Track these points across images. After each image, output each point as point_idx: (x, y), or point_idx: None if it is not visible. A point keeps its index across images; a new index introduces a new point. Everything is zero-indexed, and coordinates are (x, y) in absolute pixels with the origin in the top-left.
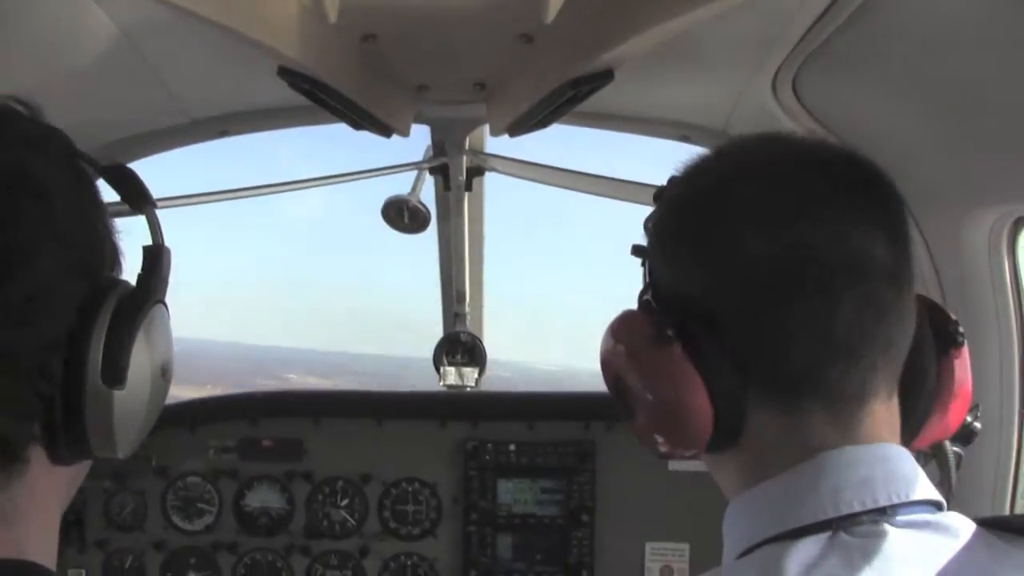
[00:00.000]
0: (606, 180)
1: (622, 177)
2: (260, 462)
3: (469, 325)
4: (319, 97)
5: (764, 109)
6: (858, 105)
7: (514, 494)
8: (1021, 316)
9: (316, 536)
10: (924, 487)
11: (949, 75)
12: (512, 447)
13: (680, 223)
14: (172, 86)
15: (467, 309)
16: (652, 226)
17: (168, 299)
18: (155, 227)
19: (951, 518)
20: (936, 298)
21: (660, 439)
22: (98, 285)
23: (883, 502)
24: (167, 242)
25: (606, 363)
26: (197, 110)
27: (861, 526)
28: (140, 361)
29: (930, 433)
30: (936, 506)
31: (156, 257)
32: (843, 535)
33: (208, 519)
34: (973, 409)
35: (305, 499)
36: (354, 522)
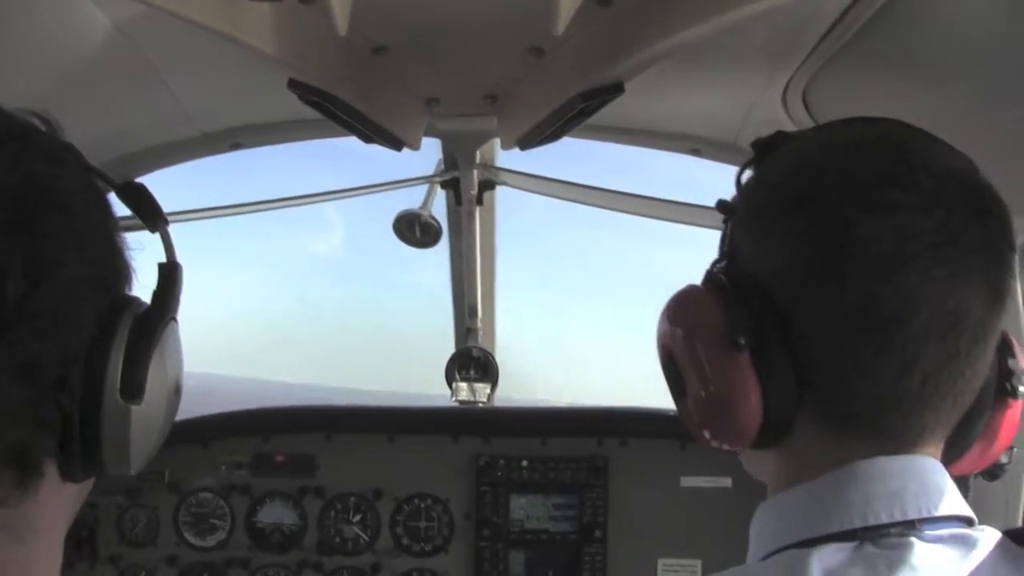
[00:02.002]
0: (619, 194)
1: (634, 192)
2: (272, 478)
3: (481, 340)
4: (329, 110)
5: (775, 122)
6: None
7: (526, 510)
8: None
9: (328, 552)
10: (955, 502)
11: (961, 87)
12: (524, 463)
13: (793, 209)
14: (183, 99)
15: (479, 324)
16: (749, 187)
17: (186, 334)
18: (168, 245)
19: (980, 532)
20: None
21: (704, 430)
22: (116, 300)
23: (912, 515)
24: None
25: (663, 341)
26: (208, 123)
27: (888, 538)
28: (156, 377)
29: (961, 466)
30: (967, 522)
31: (171, 275)
32: (869, 546)
33: (220, 535)
34: (1009, 451)
35: (317, 515)
36: (367, 538)
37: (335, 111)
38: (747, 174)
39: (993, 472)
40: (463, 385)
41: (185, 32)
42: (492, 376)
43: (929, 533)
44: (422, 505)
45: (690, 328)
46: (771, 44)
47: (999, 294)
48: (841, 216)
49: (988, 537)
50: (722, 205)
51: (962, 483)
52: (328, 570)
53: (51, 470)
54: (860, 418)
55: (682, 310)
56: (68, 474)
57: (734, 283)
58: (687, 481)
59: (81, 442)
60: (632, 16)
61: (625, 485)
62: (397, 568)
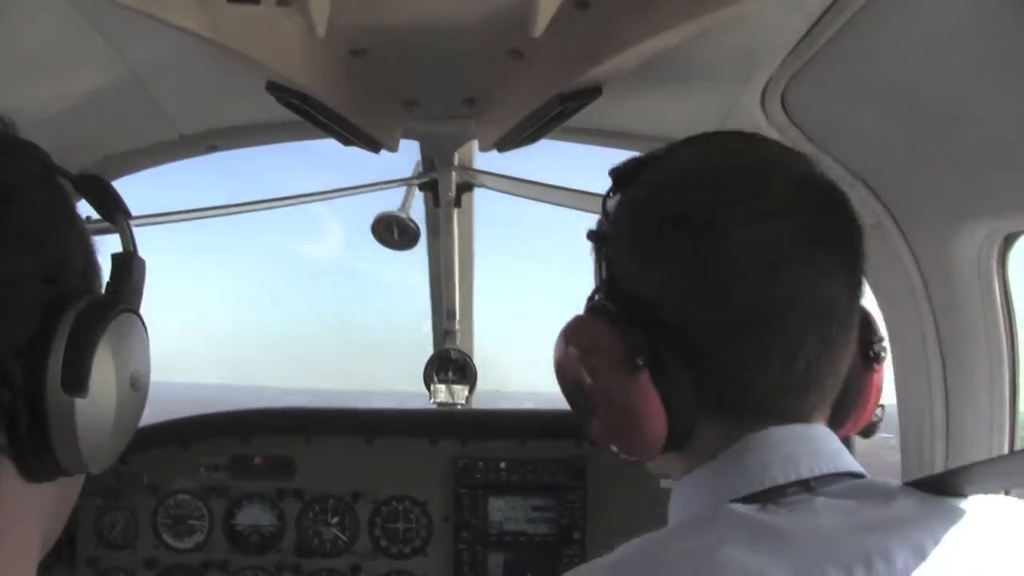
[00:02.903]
0: (596, 197)
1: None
2: (251, 480)
3: (459, 342)
4: (307, 112)
5: (753, 124)
6: (847, 119)
7: (505, 512)
8: (1010, 332)
9: (307, 554)
10: (846, 461)
11: (937, 90)
12: (503, 465)
13: (661, 229)
14: (161, 102)
15: (457, 326)
16: (618, 215)
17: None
18: (127, 237)
19: (877, 481)
20: (926, 313)
21: (614, 447)
22: (65, 292)
23: (806, 474)
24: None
25: (563, 370)
26: (186, 126)
27: (787, 497)
28: (105, 370)
29: (844, 430)
30: (859, 477)
31: (126, 265)
32: (772, 505)
33: (199, 537)
34: (880, 408)
35: (296, 517)
36: (345, 540)
37: (313, 113)
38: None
39: (868, 430)
40: (441, 387)
41: (163, 34)
42: (470, 378)
43: (826, 489)
44: (400, 507)
45: (587, 357)
46: (748, 47)
47: (858, 281)
48: (715, 230)
49: (883, 485)
50: (592, 234)
51: (846, 444)
52: (307, 572)
53: (7, 468)
54: (754, 408)
55: (577, 341)
56: (27, 473)
57: (621, 307)
58: (666, 483)
59: (29, 438)
60: (610, 19)
61: (604, 487)
62: (376, 570)
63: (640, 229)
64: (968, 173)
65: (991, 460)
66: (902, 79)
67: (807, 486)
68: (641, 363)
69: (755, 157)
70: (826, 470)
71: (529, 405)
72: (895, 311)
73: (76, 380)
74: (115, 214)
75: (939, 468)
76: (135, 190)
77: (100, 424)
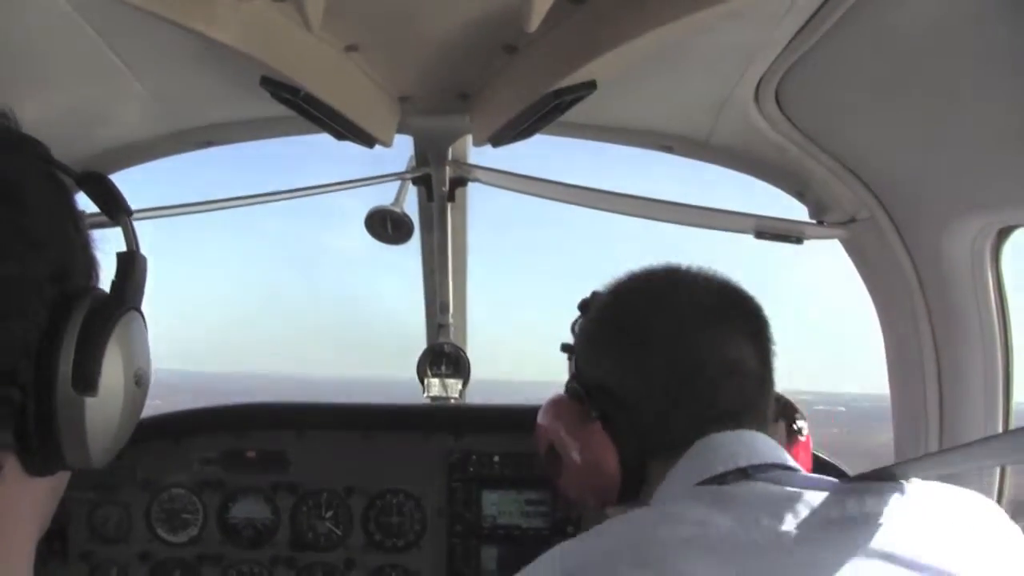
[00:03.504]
0: (590, 191)
1: (605, 188)
2: (245, 474)
3: (453, 336)
4: (301, 107)
5: (747, 119)
6: (840, 114)
7: (499, 506)
8: (1004, 326)
9: (301, 548)
10: (781, 456)
11: (931, 84)
12: (496, 459)
13: (603, 334)
14: (155, 96)
15: (451, 320)
16: (580, 332)
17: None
18: (130, 235)
19: (812, 474)
20: (919, 308)
21: (581, 493)
22: (71, 292)
23: (743, 463)
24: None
25: (541, 435)
26: (181, 120)
27: (728, 483)
28: (113, 368)
29: None
30: (794, 470)
31: (130, 264)
32: (714, 487)
33: (193, 531)
34: None
35: (290, 511)
36: (339, 534)
37: (308, 108)
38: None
39: None
40: (435, 381)
41: (157, 29)
42: (464, 372)
43: (761, 475)
44: (394, 501)
45: (560, 420)
46: (743, 42)
47: (764, 352)
48: (636, 323)
49: (817, 475)
50: (565, 346)
51: None
52: (301, 566)
53: (11, 464)
54: (689, 442)
55: (553, 409)
56: (31, 468)
57: (583, 387)
58: None
59: (38, 436)
60: (605, 14)
61: None
62: (370, 564)
63: (592, 336)
64: (962, 167)
65: (924, 456)
66: (896, 74)
67: (745, 473)
68: (595, 415)
69: (669, 276)
70: (762, 460)
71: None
72: (889, 305)
73: (87, 379)
74: (117, 211)
75: (933, 463)
76: (132, 183)
77: (107, 421)
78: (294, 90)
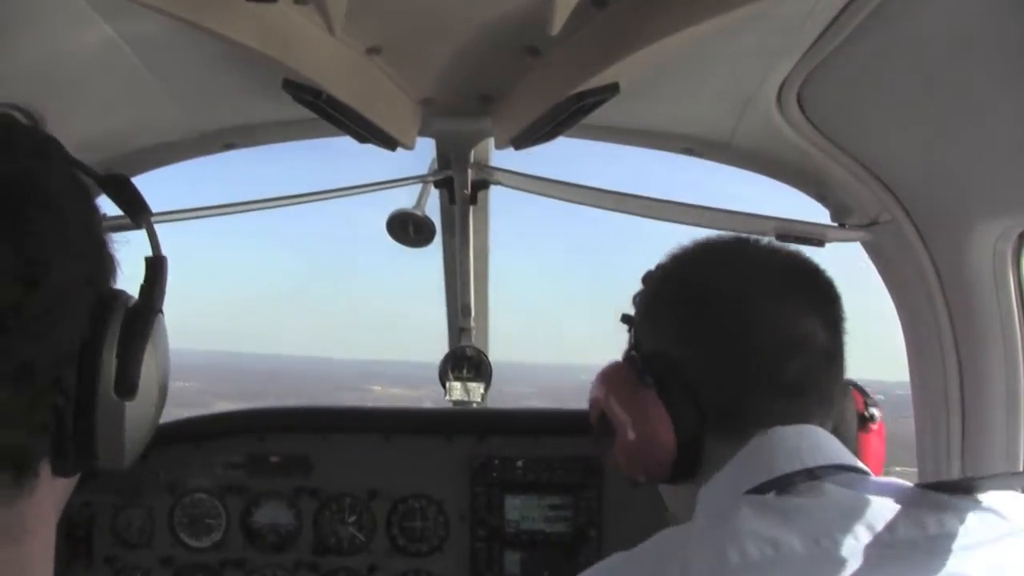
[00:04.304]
0: (609, 193)
1: (628, 191)
2: (268, 478)
3: (475, 340)
4: (323, 110)
5: (769, 122)
6: (863, 118)
7: (521, 510)
8: None
9: (324, 553)
10: (848, 456)
11: (953, 88)
12: (519, 463)
13: (665, 302)
14: (178, 99)
15: (472, 323)
16: (641, 302)
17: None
18: (154, 238)
19: (879, 478)
20: (941, 310)
21: (632, 465)
22: (105, 296)
23: (810, 463)
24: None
25: (594, 402)
26: (203, 123)
27: (796, 485)
28: (147, 371)
29: None
30: (863, 473)
31: (159, 268)
32: (783, 494)
33: (216, 536)
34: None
35: (313, 516)
36: (362, 539)
37: (329, 111)
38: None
39: None
40: (457, 384)
41: (179, 32)
42: (485, 375)
43: (831, 477)
44: (417, 506)
45: (612, 385)
46: (765, 45)
47: (834, 327)
48: (701, 292)
49: (889, 480)
50: (625, 317)
51: None
52: (324, 571)
53: (45, 469)
54: (751, 416)
55: (607, 375)
56: (60, 470)
57: (639, 354)
58: None
59: (75, 440)
60: (627, 17)
61: (620, 485)
62: (393, 568)
63: (653, 304)
64: (983, 170)
65: (1005, 474)
66: (917, 77)
67: (813, 474)
68: (649, 382)
69: (735, 245)
70: (830, 461)
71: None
72: (910, 307)
73: (128, 384)
74: (141, 214)
75: (955, 465)
76: (156, 186)
77: (140, 422)
78: (316, 92)
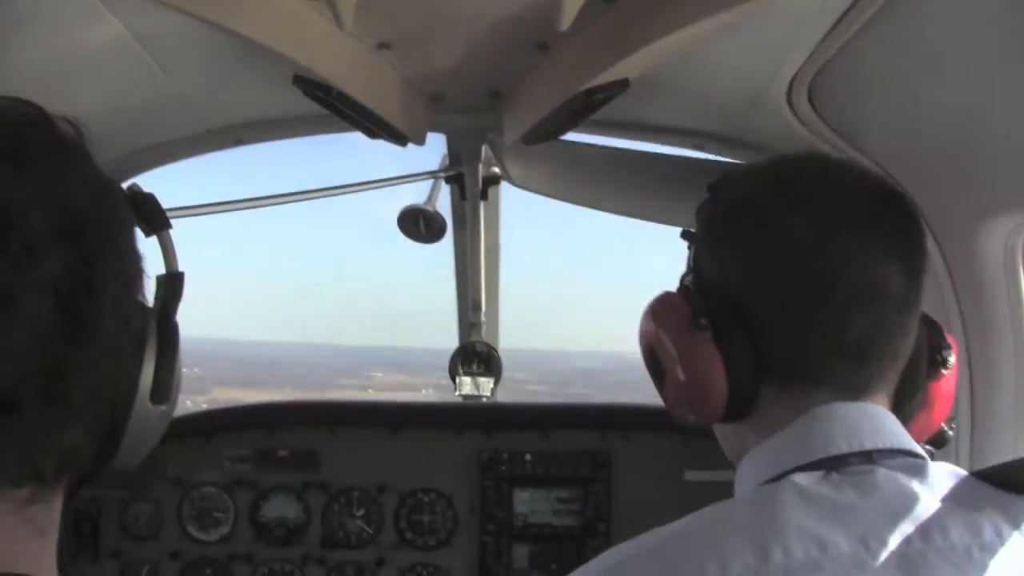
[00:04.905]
0: (623, 194)
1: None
2: (276, 472)
3: (484, 335)
4: (334, 105)
5: (779, 117)
6: (873, 113)
7: (530, 504)
8: None
9: (332, 546)
10: (907, 440)
11: (963, 83)
12: (528, 457)
13: (730, 225)
14: (187, 95)
15: (483, 319)
16: (704, 217)
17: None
18: (171, 253)
19: (938, 465)
20: (951, 305)
21: (680, 406)
22: (143, 308)
23: (868, 446)
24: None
25: (644, 336)
26: (212, 119)
27: (850, 466)
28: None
29: (911, 432)
30: (919, 459)
31: (180, 283)
32: (835, 474)
33: (224, 529)
34: (950, 420)
35: (321, 509)
36: (370, 532)
37: (340, 106)
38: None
39: (938, 441)
40: (466, 379)
41: (190, 28)
42: (495, 370)
43: (887, 462)
44: (426, 499)
45: (663, 321)
46: (775, 41)
47: (914, 271)
48: (771, 216)
49: (943, 469)
50: (685, 233)
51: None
52: (332, 564)
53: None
54: (812, 376)
55: (657, 308)
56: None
57: (696, 286)
58: (691, 475)
59: (104, 445)
60: (637, 13)
61: (628, 479)
62: (401, 562)
63: (715, 222)
64: (994, 166)
65: None
66: (928, 73)
67: (869, 457)
68: (704, 324)
69: (818, 166)
70: (888, 445)
71: None
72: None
73: (164, 393)
74: (162, 229)
75: (964, 460)
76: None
77: (160, 427)
78: (326, 88)
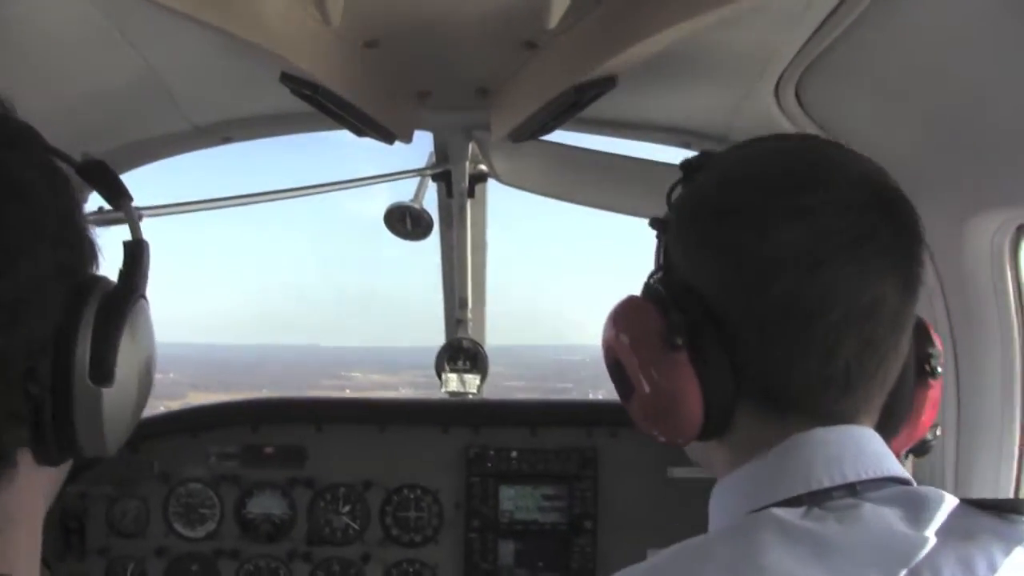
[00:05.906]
0: (610, 191)
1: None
2: (262, 469)
3: (471, 332)
4: (321, 103)
5: (767, 115)
6: (860, 111)
7: (516, 501)
8: (1023, 322)
9: (318, 543)
10: (893, 465)
11: (951, 81)
12: (514, 454)
13: (708, 219)
14: (174, 92)
15: (469, 315)
16: (677, 204)
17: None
18: (134, 222)
19: (924, 490)
20: (938, 304)
21: (648, 425)
22: (82, 284)
23: (852, 478)
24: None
25: (609, 346)
26: (199, 117)
27: (833, 500)
28: (126, 357)
29: (894, 446)
30: (905, 484)
31: (137, 253)
32: (816, 509)
33: (210, 526)
34: (933, 428)
35: (307, 506)
36: (356, 528)
37: (327, 104)
38: (676, 192)
39: (920, 449)
40: (453, 376)
41: (177, 26)
42: (482, 367)
43: (872, 494)
44: (412, 496)
45: (632, 334)
46: (763, 38)
47: (911, 285)
48: (761, 224)
49: (934, 495)
50: (655, 221)
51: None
52: (317, 560)
53: (25, 458)
54: (794, 403)
55: (624, 318)
56: (43, 459)
57: (670, 291)
58: (676, 472)
59: (54, 429)
60: (625, 10)
61: (614, 476)
62: (387, 559)
63: (694, 220)
64: (980, 163)
65: None
66: (915, 71)
67: (853, 490)
68: (680, 343)
69: (809, 159)
70: (872, 474)
71: None
72: None
73: (104, 371)
74: (120, 199)
75: (949, 464)
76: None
77: (122, 409)
78: (313, 86)
